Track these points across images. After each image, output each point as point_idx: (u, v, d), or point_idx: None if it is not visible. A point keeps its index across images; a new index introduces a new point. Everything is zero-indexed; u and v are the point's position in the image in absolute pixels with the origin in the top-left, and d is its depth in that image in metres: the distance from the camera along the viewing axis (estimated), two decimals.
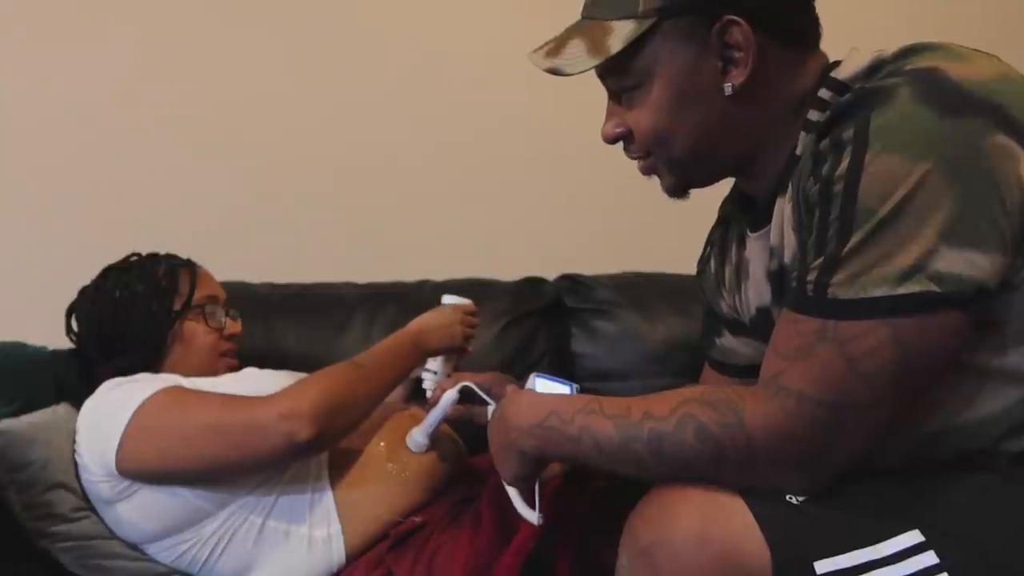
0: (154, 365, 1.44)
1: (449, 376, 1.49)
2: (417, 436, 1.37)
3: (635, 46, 0.95)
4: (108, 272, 1.49)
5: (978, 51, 0.87)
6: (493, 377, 1.33)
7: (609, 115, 1.03)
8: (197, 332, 1.47)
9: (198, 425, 1.26)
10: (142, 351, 1.43)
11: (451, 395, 1.31)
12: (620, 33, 0.94)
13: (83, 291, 1.49)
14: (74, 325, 1.46)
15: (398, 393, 1.57)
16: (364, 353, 1.41)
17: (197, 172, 2.03)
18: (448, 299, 1.56)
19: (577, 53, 0.97)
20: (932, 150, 0.78)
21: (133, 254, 1.53)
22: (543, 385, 1.19)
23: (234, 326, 1.54)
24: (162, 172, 2.01)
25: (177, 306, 1.46)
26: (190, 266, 1.52)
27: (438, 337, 1.48)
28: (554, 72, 0.99)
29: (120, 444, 1.27)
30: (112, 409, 1.30)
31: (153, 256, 1.52)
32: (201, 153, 2.03)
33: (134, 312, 1.44)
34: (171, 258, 1.53)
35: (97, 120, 1.97)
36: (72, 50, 1.96)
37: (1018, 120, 0.81)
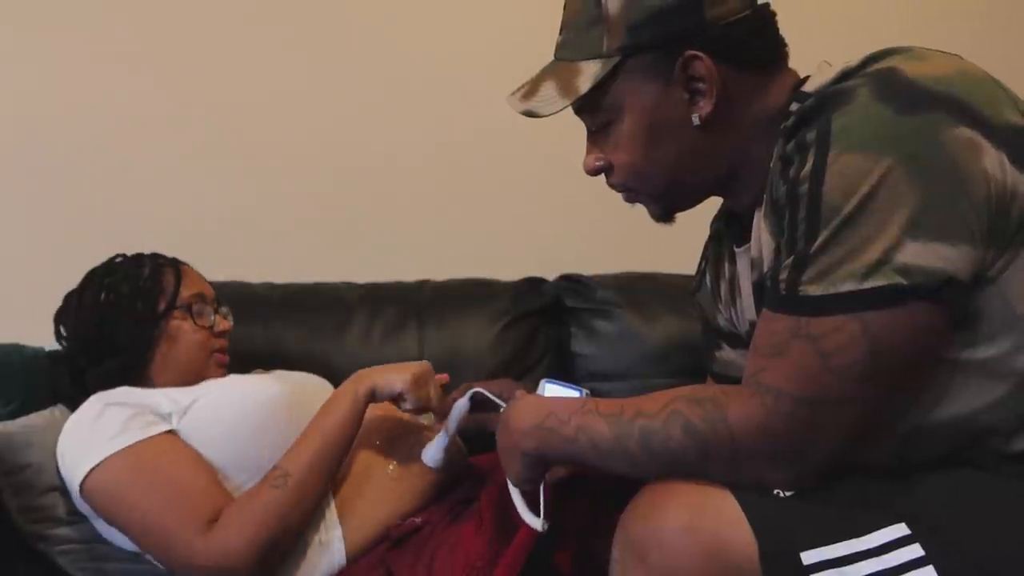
0: (144, 366, 1.42)
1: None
2: (434, 452, 1.33)
3: (603, 84, 0.98)
4: (92, 275, 1.47)
5: (939, 51, 0.90)
6: (503, 383, 1.34)
7: (589, 149, 1.06)
8: (185, 331, 1.44)
9: (147, 522, 1.23)
10: (130, 353, 1.41)
11: (463, 404, 1.27)
12: (588, 73, 0.98)
13: (68, 296, 1.47)
14: (62, 330, 1.45)
15: None
16: (290, 451, 1.28)
17: (197, 172, 2.03)
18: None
19: (550, 94, 1.01)
20: (892, 146, 0.80)
21: (117, 255, 1.51)
22: (552, 390, 1.20)
23: (224, 323, 1.51)
24: (162, 172, 2.02)
25: (162, 306, 1.43)
26: (175, 265, 1.49)
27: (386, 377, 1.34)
28: (529, 114, 1.03)
29: (83, 482, 1.26)
30: (85, 441, 1.28)
31: (138, 257, 1.50)
32: (201, 153, 2.03)
33: (120, 314, 1.42)
34: (156, 257, 1.50)
35: (96, 120, 1.98)
36: (72, 50, 1.97)
37: (980, 112, 0.82)
